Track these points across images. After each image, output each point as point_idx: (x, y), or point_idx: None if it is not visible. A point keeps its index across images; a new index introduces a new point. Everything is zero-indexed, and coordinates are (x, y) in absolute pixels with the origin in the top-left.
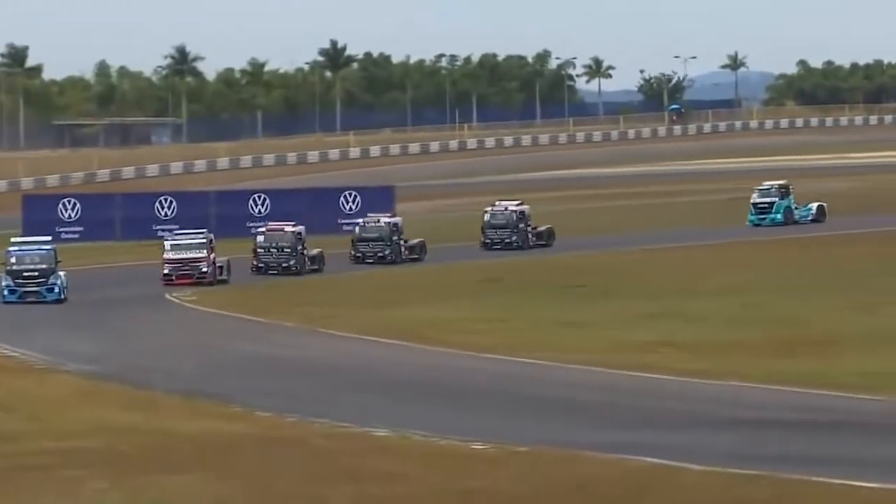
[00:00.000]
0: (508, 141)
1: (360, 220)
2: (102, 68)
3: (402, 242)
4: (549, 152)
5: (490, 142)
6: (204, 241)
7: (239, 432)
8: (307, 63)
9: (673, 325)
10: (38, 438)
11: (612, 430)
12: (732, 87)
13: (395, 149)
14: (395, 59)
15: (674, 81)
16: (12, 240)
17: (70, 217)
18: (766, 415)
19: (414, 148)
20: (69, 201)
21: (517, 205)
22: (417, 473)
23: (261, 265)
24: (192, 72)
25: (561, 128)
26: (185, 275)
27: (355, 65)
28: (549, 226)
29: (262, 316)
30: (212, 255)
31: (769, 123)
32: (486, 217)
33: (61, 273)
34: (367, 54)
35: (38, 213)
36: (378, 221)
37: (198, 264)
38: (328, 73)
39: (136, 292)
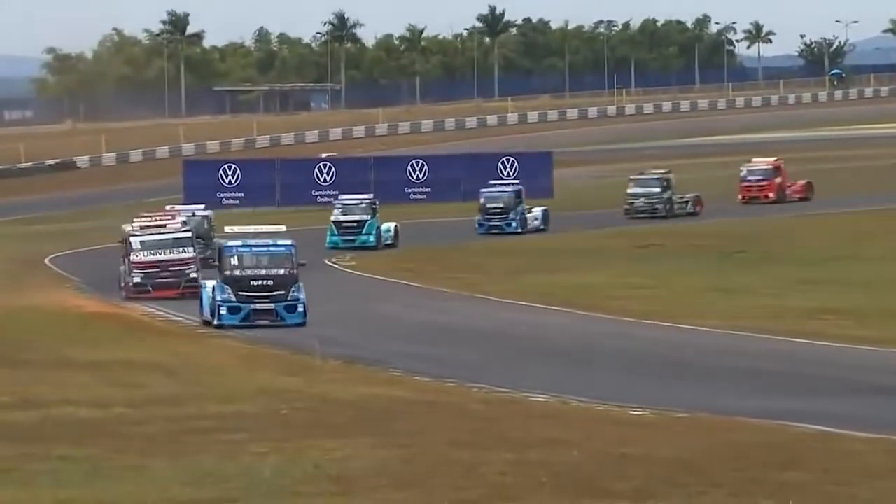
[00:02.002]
0: (667, 106)
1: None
2: (262, 35)
3: None
4: (707, 118)
5: (648, 107)
6: (188, 235)
7: (398, 397)
8: (465, 29)
9: (834, 292)
10: (199, 402)
11: (774, 398)
12: (895, 51)
13: (552, 114)
14: (554, 25)
15: (835, 46)
16: (231, 230)
17: (230, 183)
18: None
19: (572, 114)
20: (229, 167)
21: (204, 208)
22: (576, 439)
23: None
24: (351, 38)
25: (720, 93)
26: (165, 284)
27: (514, 30)
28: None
29: (419, 282)
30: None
31: None
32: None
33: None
34: (526, 20)
35: (199, 178)
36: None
37: (183, 268)
38: (486, 39)
39: None
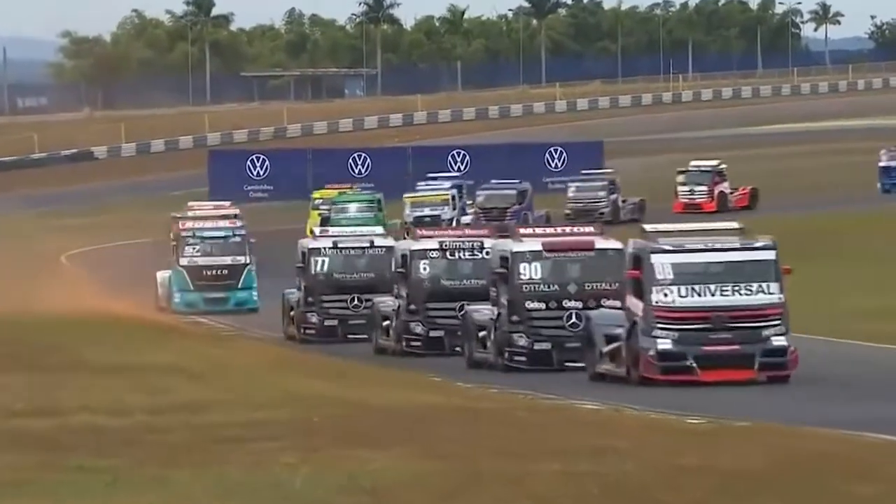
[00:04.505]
0: (727, 93)
1: None
2: (293, 17)
3: None
4: (771, 105)
5: (707, 94)
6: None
7: (438, 404)
8: (510, 10)
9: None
10: (227, 408)
11: (837, 404)
12: None
13: (604, 101)
14: (606, 5)
15: None
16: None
17: (258, 175)
18: None
19: (624, 100)
20: (257, 158)
21: None
22: (629, 449)
23: None
24: (387, 19)
25: (784, 78)
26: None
27: (562, 11)
28: None
29: None
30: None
31: None
32: None
33: None
34: (576, 0)
35: (225, 170)
36: None
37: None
38: (533, 21)
39: None
